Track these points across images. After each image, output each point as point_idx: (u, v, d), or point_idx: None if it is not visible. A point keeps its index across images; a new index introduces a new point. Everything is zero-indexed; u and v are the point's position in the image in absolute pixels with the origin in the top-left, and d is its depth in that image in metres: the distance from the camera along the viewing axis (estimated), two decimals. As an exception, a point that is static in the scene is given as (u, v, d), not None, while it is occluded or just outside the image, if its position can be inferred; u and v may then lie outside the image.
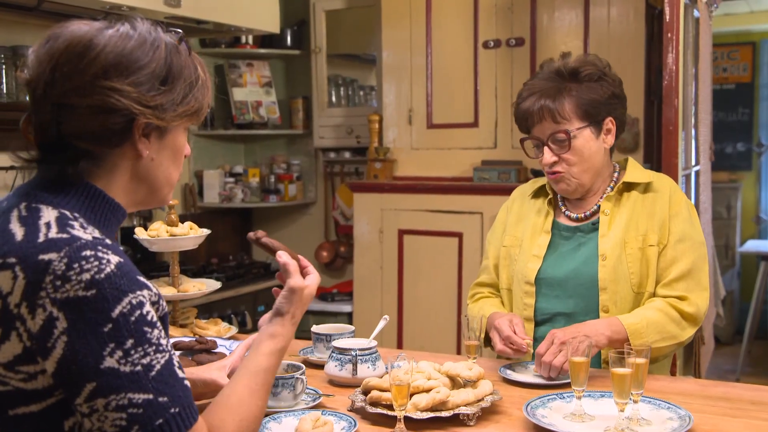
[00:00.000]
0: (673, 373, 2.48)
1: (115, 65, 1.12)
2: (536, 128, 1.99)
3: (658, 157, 3.23)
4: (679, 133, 2.53)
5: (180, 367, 1.09)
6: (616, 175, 2.05)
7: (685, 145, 3.07)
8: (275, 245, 1.41)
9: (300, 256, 1.40)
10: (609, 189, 2.03)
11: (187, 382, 1.09)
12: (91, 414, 1.03)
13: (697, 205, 3.39)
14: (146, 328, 1.06)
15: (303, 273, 1.37)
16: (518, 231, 2.11)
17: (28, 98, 1.16)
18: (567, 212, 2.06)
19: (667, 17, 2.51)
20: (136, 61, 1.14)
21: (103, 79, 1.11)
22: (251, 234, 1.44)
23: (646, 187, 2.01)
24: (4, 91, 3.07)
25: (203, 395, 1.57)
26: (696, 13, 3.31)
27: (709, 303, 3.53)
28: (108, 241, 1.10)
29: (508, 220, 2.16)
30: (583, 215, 2.04)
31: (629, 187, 2.01)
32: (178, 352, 2.00)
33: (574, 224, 2.04)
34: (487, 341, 2.04)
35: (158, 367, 1.05)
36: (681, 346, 2.00)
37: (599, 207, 2.02)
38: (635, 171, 2.03)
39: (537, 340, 1.97)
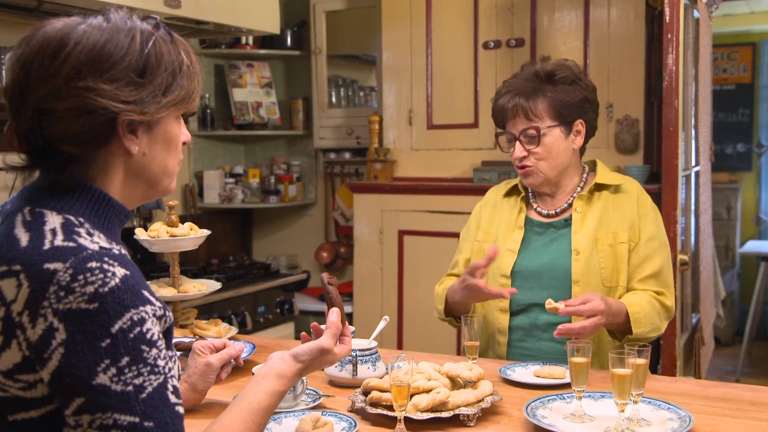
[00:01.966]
0: (673, 374, 2.48)
1: (87, 63, 1.07)
2: (510, 124, 2.12)
3: (658, 158, 3.23)
4: (679, 133, 2.52)
5: (174, 392, 1.06)
6: (585, 175, 2.19)
7: (685, 146, 3.07)
8: (336, 301, 1.46)
9: (347, 324, 1.45)
10: (579, 188, 2.15)
11: (179, 409, 1.06)
12: (75, 427, 1.01)
13: (696, 206, 3.39)
14: (144, 347, 1.03)
15: (340, 338, 1.42)
16: (492, 227, 2.22)
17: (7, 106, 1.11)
18: (538, 209, 2.18)
19: (667, 18, 2.51)
20: (110, 57, 1.08)
21: (77, 79, 1.06)
22: (325, 275, 1.50)
23: (616, 189, 2.14)
24: (5, 91, 3.07)
25: (206, 389, 1.63)
26: (696, 14, 3.31)
27: (709, 304, 3.52)
28: (116, 251, 1.08)
29: (481, 218, 2.27)
30: (554, 212, 2.16)
31: (600, 187, 2.14)
32: (179, 353, 2.00)
33: (546, 220, 2.16)
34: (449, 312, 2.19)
35: (150, 389, 1.02)
36: (656, 338, 2.10)
37: (570, 204, 2.15)
38: (605, 173, 2.17)
39: (512, 329, 2.12)
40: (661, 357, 2.60)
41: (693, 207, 3.39)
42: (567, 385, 1.78)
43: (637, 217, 2.09)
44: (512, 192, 2.24)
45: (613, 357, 1.51)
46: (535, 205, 2.18)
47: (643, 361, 1.53)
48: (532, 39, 3.58)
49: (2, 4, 2.92)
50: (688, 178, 3.27)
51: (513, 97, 2.08)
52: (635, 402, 1.54)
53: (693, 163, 3.37)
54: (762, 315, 5.45)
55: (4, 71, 0.96)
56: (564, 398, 1.67)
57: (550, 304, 1.86)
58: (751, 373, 5.19)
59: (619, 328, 1.99)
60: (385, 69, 3.93)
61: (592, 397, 1.67)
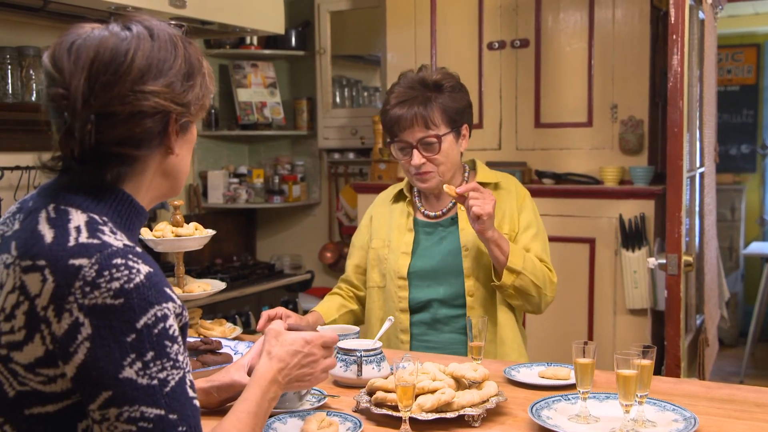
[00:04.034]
0: (676, 375, 2.48)
1: (148, 68, 1.13)
2: (405, 133, 2.16)
3: (663, 159, 3.23)
4: (683, 134, 2.52)
5: (192, 386, 1.10)
6: (466, 174, 2.30)
7: (690, 147, 3.07)
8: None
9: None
10: None
11: (196, 402, 1.10)
12: (102, 422, 1.03)
13: (701, 207, 3.39)
14: (167, 342, 1.06)
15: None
16: (383, 233, 2.31)
17: (65, 114, 1.12)
18: (426, 211, 2.29)
19: (672, 19, 2.51)
20: (165, 61, 1.15)
21: (141, 83, 1.12)
22: None
23: (496, 186, 2.26)
24: (10, 91, 3.08)
25: (225, 400, 1.59)
26: (701, 15, 3.31)
27: (713, 305, 3.51)
28: (138, 249, 1.11)
29: (372, 225, 2.37)
30: (440, 212, 2.27)
31: (481, 185, 2.22)
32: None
33: (433, 220, 2.27)
34: None
35: (172, 383, 1.06)
36: (534, 305, 2.16)
37: (454, 204, 2.25)
38: (485, 172, 2.29)
39: (414, 325, 2.23)
40: (665, 358, 2.59)
41: (697, 208, 3.39)
42: (572, 386, 1.78)
43: (516, 210, 2.22)
44: (399, 198, 2.35)
45: (618, 358, 1.51)
46: (422, 209, 2.29)
47: (648, 362, 1.53)
48: (537, 39, 3.58)
49: (8, 3, 2.93)
50: (692, 179, 3.26)
51: (411, 107, 2.13)
52: (640, 403, 1.54)
53: (697, 164, 3.37)
54: (766, 316, 5.44)
55: (44, 76, 0.96)
56: (569, 399, 1.67)
57: (450, 188, 2.04)
58: (755, 374, 5.18)
59: (500, 261, 2.07)
60: (389, 69, 3.93)
61: (596, 398, 1.66)
